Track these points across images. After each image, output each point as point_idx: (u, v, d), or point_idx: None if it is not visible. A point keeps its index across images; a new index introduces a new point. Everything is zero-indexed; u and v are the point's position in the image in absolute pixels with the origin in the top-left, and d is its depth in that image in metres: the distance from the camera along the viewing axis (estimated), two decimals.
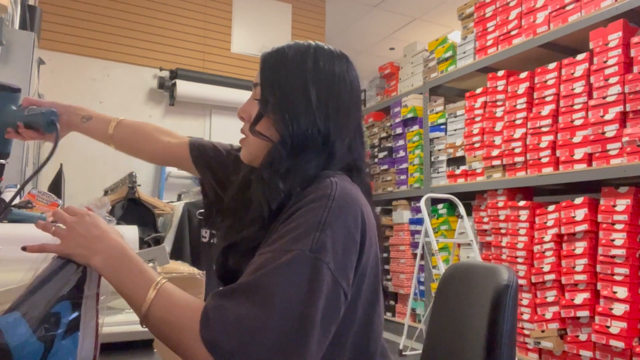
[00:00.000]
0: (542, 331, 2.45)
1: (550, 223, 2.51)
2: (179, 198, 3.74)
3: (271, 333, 0.62)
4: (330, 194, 0.72)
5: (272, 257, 0.67)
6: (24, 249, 0.69)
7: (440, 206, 3.52)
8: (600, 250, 2.24)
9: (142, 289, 0.68)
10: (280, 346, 0.62)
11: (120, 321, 0.85)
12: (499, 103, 2.98)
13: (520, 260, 2.66)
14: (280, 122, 0.79)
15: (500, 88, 2.97)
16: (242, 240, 0.79)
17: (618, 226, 2.19)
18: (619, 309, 2.12)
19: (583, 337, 2.28)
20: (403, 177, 3.93)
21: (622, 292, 2.13)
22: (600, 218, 2.27)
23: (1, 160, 1.09)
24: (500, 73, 2.97)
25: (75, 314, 0.61)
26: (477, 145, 3.11)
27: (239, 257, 0.79)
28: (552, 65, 2.64)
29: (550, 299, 2.45)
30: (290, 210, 0.73)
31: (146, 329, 0.68)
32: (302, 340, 0.63)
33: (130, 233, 1.12)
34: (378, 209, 4.04)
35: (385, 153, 4.18)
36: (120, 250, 0.71)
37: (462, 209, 3.05)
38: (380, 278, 0.80)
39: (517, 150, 2.77)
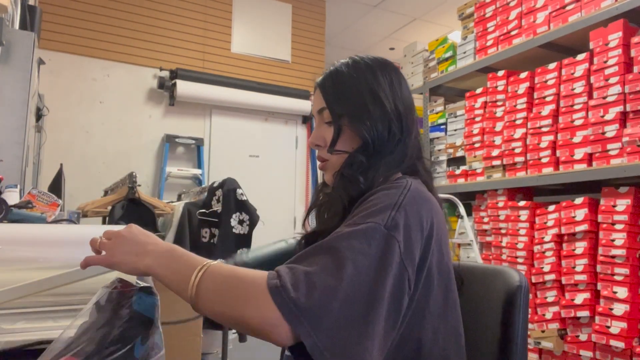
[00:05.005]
0: (542, 331, 2.44)
1: (550, 223, 2.51)
2: (179, 198, 3.74)
3: (340, 298, 0.60)
4: (407, 185, 0.75)
5: (346, 228, 0.68)
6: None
7: None
8: (600, 250, 2.24)
9: (193, 268, 0.67)
10: (347, 313, 0.60)
11: None
12: (499, 103, 2.98)
13: (520, 260, 2.66)
14: (362, 129, 0.81)
15: (500, 88, 2.97)
16: (322, 232, 0.79)
17: (618, 226, 2.19)
18: (619, 309, 2.12)
19: (583, 337, 2.28)
20: None
21: (622, 292, 2.13)
22: (600, 218, 2.27)
23: None
24: (500, 73, 2.97)
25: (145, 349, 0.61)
26: (477, 145, 3.11)
27: None
28: (552, 65, 2.64)
29: (550, 299, 2.45)
30: (366, 196, 0.75)
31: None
32: (371, 313, 0.61)
33: None
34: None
35: None
36: (170, 247, 0.72)
37: (462, 209, 3.05)
38: (453, 289, 0.79)
39: (517, 150, 2.77)
